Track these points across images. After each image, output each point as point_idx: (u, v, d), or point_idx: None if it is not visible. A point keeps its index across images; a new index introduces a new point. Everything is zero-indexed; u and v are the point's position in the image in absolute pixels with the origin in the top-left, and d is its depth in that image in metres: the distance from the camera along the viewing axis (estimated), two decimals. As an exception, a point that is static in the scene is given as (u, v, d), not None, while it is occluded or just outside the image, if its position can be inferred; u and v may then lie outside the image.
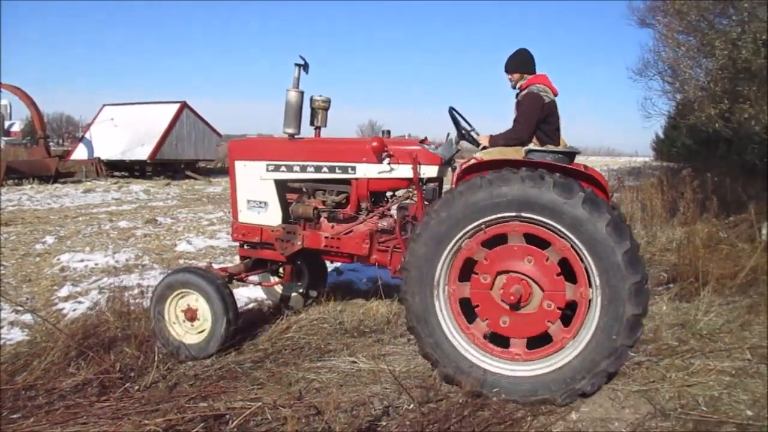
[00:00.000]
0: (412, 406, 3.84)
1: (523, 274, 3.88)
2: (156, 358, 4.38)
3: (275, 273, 5.88)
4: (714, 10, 11.38)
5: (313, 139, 5.34)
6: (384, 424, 3.61)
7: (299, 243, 5.02)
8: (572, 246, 3.76)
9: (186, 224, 12.18)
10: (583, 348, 3.79)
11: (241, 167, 5.23)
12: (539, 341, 3.99)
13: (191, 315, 4.77)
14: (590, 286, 3.78)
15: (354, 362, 4.62)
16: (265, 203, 5.15)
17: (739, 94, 9.86)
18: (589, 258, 3.71)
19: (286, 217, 5.15)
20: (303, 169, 5.01)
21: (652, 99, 19.77)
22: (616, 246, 3.62)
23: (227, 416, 3.63)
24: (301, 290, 6.05)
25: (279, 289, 6.09)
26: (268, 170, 5.11)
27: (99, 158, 25.38)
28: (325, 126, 5.32)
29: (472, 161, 4.45)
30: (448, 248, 3.96)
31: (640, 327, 3.76)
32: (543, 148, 4.48)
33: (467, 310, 4.08)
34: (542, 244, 3.88)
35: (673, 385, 4.16)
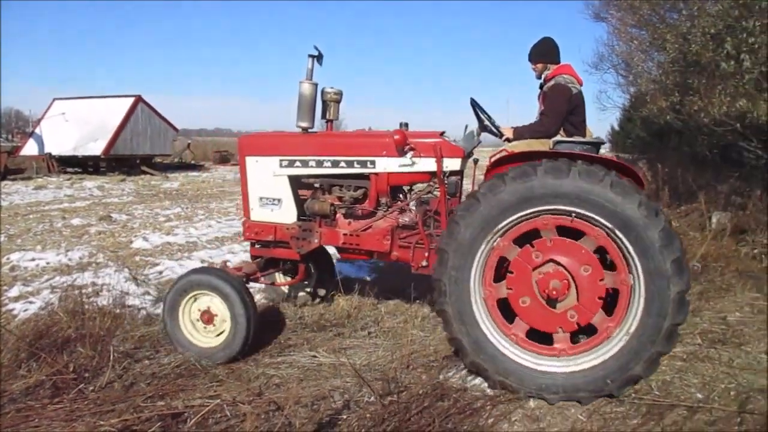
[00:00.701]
0: (372, 398, 3.84)
1: (571, 275, 3.81)
2: (111, 358, 4.27)
3: (288, 272, 5.72)
4: (665, 5, 11.68)
5: (330, 132, 5.18)
6: (345, 417, 3.60)
7: (316, 241, 4.87)
8: (608, 233, 3.71)
9: (142, 221, 11.92)
10: (632, 333, 3.74)
11: (252, 163, 5.02)
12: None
13: (208, 317, 4.55)
14: (630, 272, 3.74)
15: (314, 357, 4.60)
16: (279, 200, 4.97)
17: (689, 87, 10.14)
18: (626, 242, 3.65)
19: (300, 215, 5.01)
20: (319, 164, 4.83)
21: (607, 92, 20.26)
22: (652, 225, 3.58)
23: (185, 414, 3.57)
24: (308, 289, 5.91)
25: (285, 288, 5.92)
26: (281, 166, 4.91)
27: (50, 154, 24.59)
28: (337, 119, 5.14)
29: (503, 153, 4.39)
30: (489, 236, 3.88)
31: (688, 304, 3.73)
32: (571, 139, 4.44)
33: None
34: (576, 235, 3.85)
35: (628, 371, 4.25)
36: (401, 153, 4.58)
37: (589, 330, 3.95)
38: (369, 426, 3.46)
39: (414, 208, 4.75)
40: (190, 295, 4.56)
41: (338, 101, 5.01)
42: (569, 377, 3.81)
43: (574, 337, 4.05)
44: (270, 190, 4.98)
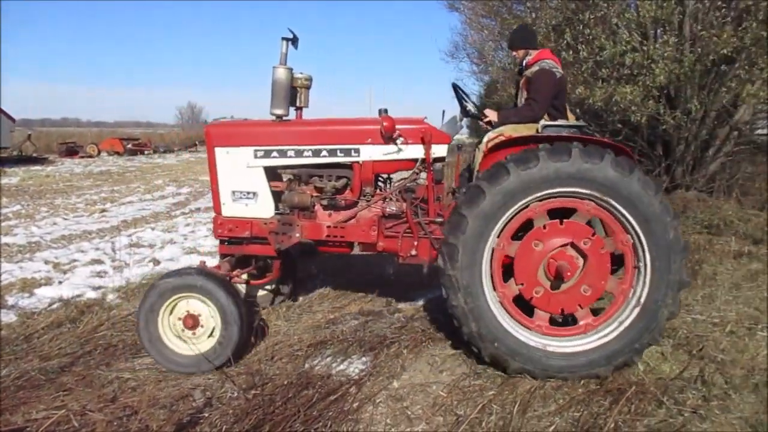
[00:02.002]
0: (236, 394, 3.75)
1: (577, 250, 3.91)
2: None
3: (262, 270, 5.30)
4: (512, -3, 12.33)
5: (310, 120, 4.86)
6: (206, 415, 3.48)
7: (297, 235, 4.57)
8: (597, 203, 3.85)
9: (-26, 221, 10.77)
10: (644, 301, 3.89)
11: (223, 155, 4.61)
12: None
13: (193, 322, 4.19)
14: (627, 233, 3.88)
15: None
16: (255, 193, 4.62)
17: (534, 75, 10.80)
18: (630, 218, 3.80)
19: (276, 208, 4.71)
20: (299, 153, 4.55)
21: (463, 80, 21.01)
22: (653, 198, 3.76)
23: (27, 430, 3.28)
24: (269, 287, 5.51)
25: (242, 288, 5.43)
26: (256, 157, 4.58)
27: None
28: (308, 106, 4.83)
29: (501, 138, 4.36)
30: (501, 222, 3.88)
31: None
32: (558, 123, 4.48)
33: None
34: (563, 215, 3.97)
35: (485, 346, 4.47)
36: (387, 140, 4.42)
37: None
38: (232, 422, 3.36)
39: (400, 196, 4.62)
40: (171, 300, 4.19)
41: (308, 87, 4.73)
42: (601, 348, 3.93)
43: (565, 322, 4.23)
44: (244, 183, 4.63)
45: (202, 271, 4.32)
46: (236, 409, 3.49)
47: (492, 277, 3.98)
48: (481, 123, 5.04)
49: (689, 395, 3.68)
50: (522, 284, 3.98)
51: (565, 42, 9.41)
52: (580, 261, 3.93)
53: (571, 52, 9.35)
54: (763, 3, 8.31)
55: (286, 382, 3.85)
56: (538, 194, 3.83)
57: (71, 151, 31.72)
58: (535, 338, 3.97)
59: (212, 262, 7.04)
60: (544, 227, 3.92)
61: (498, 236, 3.93)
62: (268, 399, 3.60)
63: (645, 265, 3.87)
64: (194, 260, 7.06)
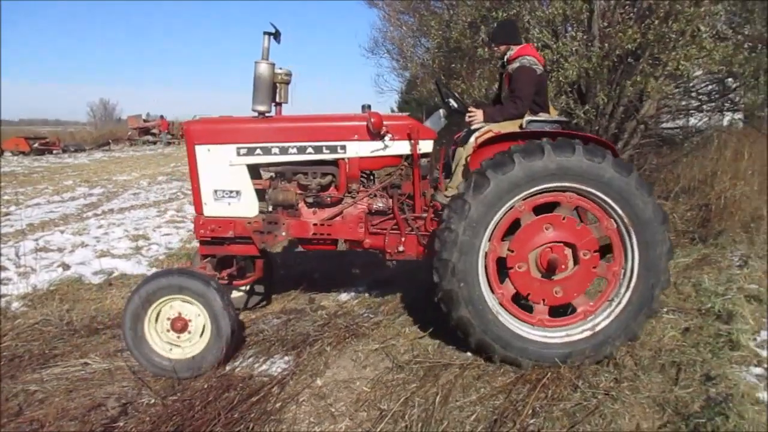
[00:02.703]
0: (153, 400, 3.62)
1: (550, 242, 3.99)
2: None
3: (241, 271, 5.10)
4: (429, -7, 12.47)
5: (294, 117, 4.69)
6: (122, 425, 3.34)
7: (283, 233, 4.47)
8: (579, 194, 3.97)
9: None
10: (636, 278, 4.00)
11: (203, 153, 4.41)
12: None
13: (181, 325, 4.00)
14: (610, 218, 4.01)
15: (86, 364, 4.21)
16: (238, 192, 4.45)
17: (453, 71, 10.97)
18: (620, 210, 3.92)
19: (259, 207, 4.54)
20: (284, 151, 4.42)
21: (383, 76, 21.10)
22: (647, 197, 3.90)
23: None
24: (244, 288, 5.26)
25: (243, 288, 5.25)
26: (239, 154, 4.42)
27: None
28: (287, 102, 4.63)
29: (491, 134, 4.36)
30: (500, 212, 3.91)
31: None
32: (543, 119, 4.49)
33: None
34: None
35: (407, 339, 4.53)
36: (374, 137, 4.35)
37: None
38: (148, 429, 3.24)
39: (386, 192, 4.56)
40: (158, 302, 3.99)
41: (288, 83, 4.55)
42: (607, 329, 4.03)
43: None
44: (226, 182, 4.45)
45: (187, 271, 4.19)
46: (153, 417, 3.37)
47: (488, 276, 4.02)
48: (468, 119, 4.98)
49: (602, 378, 3.83)
50: (512, 251, 4.03)
51: (480, 39, 9.59)
52: (571, 264, 4.05)
53: (486, 49, 9.53)
54: (665, 1, 8.76)
55: (206, 386, 3.75)
56: (540, 187, 3.90)
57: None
58: (532, 330, 4.07)
59: (127, 264, 6.81)
60: (564, 218, 4.02)
61: (489, 239, 3.98)
62: (187, 404, 3.51)
63: (632, 244, 4.00)
64: (108, 264, 6.78)
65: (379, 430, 3.28)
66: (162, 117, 38.72)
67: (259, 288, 5.40)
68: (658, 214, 3.93)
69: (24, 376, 4.05)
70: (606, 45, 8.99)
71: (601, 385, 3.74)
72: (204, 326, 4.01)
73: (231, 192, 4.47)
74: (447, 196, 4.55)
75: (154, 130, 37.49)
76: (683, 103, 11.37)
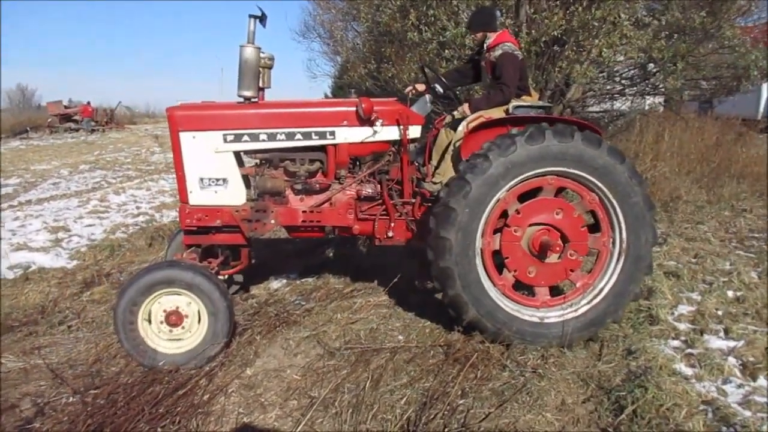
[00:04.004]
0: (72, 398, 3.47)
1: (552, 225, 4.06)
2: None
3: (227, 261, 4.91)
4: (358, -24, 12.35)
5: (282, 102, 4.50)
6: (37, 426, 3.18)
7: (272, 221, 4.36)
8: (599, 197, 4.07)
9: None
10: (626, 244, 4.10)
11: (188, 140, 4.22)
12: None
13: (176, 319, 3.86)
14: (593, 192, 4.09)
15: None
16: (225, 180, 4.30)
17: (384, 55, 10.95)
18: (615, 202, 4.03)
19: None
20: (271, 137, 4.30)
21: (315, 60, 20.91)
22: (638, 187, 4.00)
23: None
24: (223, 277, 4.87)
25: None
26: (226, 141, 4.26)
27: None
28: (270, 87, 4.45)
29: (482, 119, 4.36)
30: (498, 194, 3.93)
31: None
32: (528, 104, 4.48)
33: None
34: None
35: (339, 325, 4.49)
36: (363, 122, 4.26)
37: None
38: (67, 429, 3.09)
39: (375, 178, 4.49)
40: (153, 296, 3.82)
41: (271, 67, 4.38)
42: (604, 300, 4.14)
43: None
44: (213, 170, 4.27)
45: (183, 264, 4.03)
46: (71, 415, 3.22)
47: (485, 265, 4.07)
48: (455, 113, 4.94)
49: (529, 356, 3.92)
50: (515, 270, 4.12)
51: (410, 23, 9.60)
52: (555, 257, 4.10)
53: (416, 33, 9.56)
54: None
55: (129, 381, 3.61)
56: (538, 170, 3.95)
57: None
58: (533, 312, 4.15)
59: (46, 258, 6.50)
60: (518, 212, 4.05)
61: (482, 235, 4.00)
62: (110, 400, 3.37)
63: (616, 212, 4.07)
64: (24, 257, 6.45)
65: (309, 417, 3.25)
66: (88, 103, 37.06)
67: (238, 277, 5.30)
68: (647, 202, 4.07)
69: (-71, 378, 3.81)
70: (533, 31, 9.15)
71: (529, 363, 3.83)
72: (201, 317, 3.92)
73: (218, 180, 4.35)
74: (434, 183, 4.58)
75: (76, 117, 35.83)
76: (607, 87, 11.74)
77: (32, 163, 17.04)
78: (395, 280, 4.97)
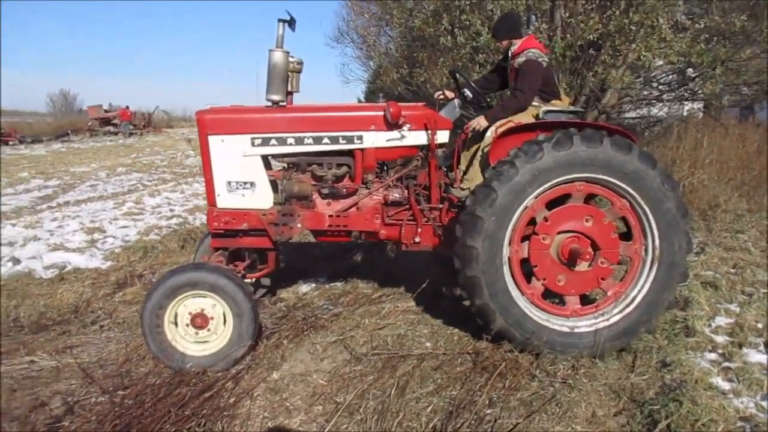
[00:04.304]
0: (101, 398, 3.51)
1: (582, 233, 3.99)
2: None
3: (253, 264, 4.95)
4: (393, -19, 12.36)
5: (309, 106, 4.55)
6: (66, 424, 3.22)
7: (299, 225, 4.37)
8: (630, 203, 3.98)
9: None
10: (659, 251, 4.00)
11: (217, 143, 4.28)
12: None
13: (202, 321, 3.90)
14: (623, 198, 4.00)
15: (32, 361, 4.06)
16: (252, 183, 4.33)
17: (416, 60, 10.92)
18: (647, 209, 3.94)
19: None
20: (299, 141, 4.31)
21: (348, 65, 21.04)
22: (670, 192, 3.91)
23: None
24: (250, 280, 5.02)
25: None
26: (254, 145, 4.28)
27: None
28: (299, 91, 4.46)
29: (511, 124, 4.31)
30: (525, 202, 3.88)
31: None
32: (559, 109, 4.46)
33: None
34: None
35: (367, 330, 4.47)
36: (391, 127, 4.26)
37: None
38: (94, 429, 3.12)
39: (402, 183, 4.49)
40: (179, 298, 3.87)
41: (300, 71, 4.39)
42: (637, 309, 4.03)
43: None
44: (240, 173, 4.31)
45: (211, 266, 4.06)
46: (99, 415, 3.24)
47: (512, 274, 4.02)
48: (472, 124, 4.81)
49: (560, 366, 3.84)
50: (544, 279, 4.05)
51: (443, 27, 9.56)
52: (586, 265, 4.02)
53: (449, 38, 9.51)
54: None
55: (157, 382, 3.64)
56: (567, 177, 3.89)
57: None
58: (563, 321, 4.08)
59: (81, 258, 6.62)
60: (546, 219, 3.99)
61: (509, 243, 3.96)
62: (137, 401, 3.39)
63: (648, 219, 3.97)
64: (61, 258, 6.58)
65: (333, 423, 3.22)
66: (127, 107, 37.89)
67: (266, 281, 5.32)
68: (681, 208, 3.96)
69: (-35, 375, 3.89)
70: (568, 35, 9.03)
71: (558, 373, 3.74)
72: (226, 319, 3.94)
73: (245, 183, 4.35)
74: (463, 189, 4.52)
75: (115, 121, 36.66)
76: (644, 93, 11.52)
77: (72, 165, 17.46)
78: (423, 285, 4.95)
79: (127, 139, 33.05)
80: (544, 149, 3.79)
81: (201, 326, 3.91)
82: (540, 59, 4.63)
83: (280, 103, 4.34)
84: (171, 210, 9.79)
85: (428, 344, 4.26)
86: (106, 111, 38.14)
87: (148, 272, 6.20)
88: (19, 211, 9.72)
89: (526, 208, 3.92)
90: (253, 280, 5.05)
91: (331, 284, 5.69)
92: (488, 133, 4.53)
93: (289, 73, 4.32)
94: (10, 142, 29.54)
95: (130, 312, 4.97)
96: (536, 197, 3.92)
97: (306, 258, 6.62)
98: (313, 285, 5.67)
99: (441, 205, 4.45)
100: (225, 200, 4.36)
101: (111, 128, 36.45)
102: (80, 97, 71.29)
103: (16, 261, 6.44)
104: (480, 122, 4.57)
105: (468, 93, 4.89)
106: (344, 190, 4.46)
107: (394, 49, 11.35)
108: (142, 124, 37.95)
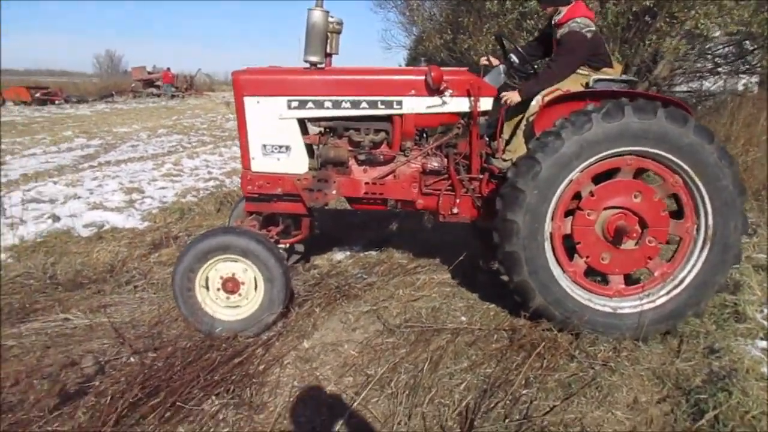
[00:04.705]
0: (132, 359, 3.49)
1: (629, 209, 3.79)
2: None
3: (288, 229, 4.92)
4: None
5: (348, 69, 4.39)
6: (96, 384, 3.21)
7: (334, 192, 4.26)
8: (684, 179, 3.75)
9: None
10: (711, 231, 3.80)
11: (253, 105, 4.18)
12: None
13: (233, 286, 3.88)
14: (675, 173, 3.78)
15: (67, 319, 4.09)
16: (287, 147, 4.23)
17: (460, 26, 10.60)
18: (701, 185, 3.71)
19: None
20: (336, 105, 4.16)
21: (390, 30, 20.70)
22: (728, 169, 3.67)
23: None
24: (284, 246, 4.94)
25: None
26: (290, 108, 4.17)
27: None
28: (338, 53, 4.34)
29: (559, 92, 4.09)
30: (570, 175, 3.69)
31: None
32: (609, 77, 4.24)
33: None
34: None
35: (400, 302, 4.37)
36: (432, 92, 4.10)
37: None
38: (123, 390, 3.09)
39: (442, 151, 4.33)
40: (210, 262, 3.85)
41: (339, 32, 4.25)
42: (685, 291, 3.85)
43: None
44: (276, 137, 4.22)
45: (243, 230, 3.99)
46: (129, 376, 3.22)
47: (554, 251, 3.84)
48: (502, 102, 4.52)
49: (600, 348, 3.68)
50: (587, 256, 3.87)
51: (489, -9, 9.24)
52: (632, 244, 3.84)
53: (495, 2, 9.18)
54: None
55: (187, 345, 3.61)
56: (614, 150, 3.67)
57: None
58: (605, 301, 3.90)
59: (119, 218, 6.65)
60: (592, 194, 3.80)
61: (552, 218, 3.78)
62: (166, 363, 3.36)
63: (702, 196, 3.76)
64: (99, 216, 6.62)
65: (363, 396, 3.14)
66: (168, 69, 38.19)
67: (300, 247, 5.24)
68: (738, 186, 3.72)
69: (2, 330, 3.93)
70: (622, 1, 8.61)
71: (599, 355, 3.59)
72: (257, 284, 3.89)
73: (280, 147, 4.24)
74: (505, 160, 4.32)
75: (158, 83, 37.02)
76: (698, 65, 11.01)
77: (114, 126, 17.67)
78: (460, 258, 4.81)
79: (169, 101, 33.35)
80: (592, 120, 3.56)
81: (232, 291, 3.86)
82: (585, 29, 4.30)
83: (318, 65, 4.18)
84: (209, 172, 9.80)
85: (463, 318, 4.14)
86: (149, 73, 38.53)
87: (184, 234, 6.21)
88: (61, 170, 9.86)
89: (571, 181, 3.72)
90: (287, 246, 4.95)
91: (366, 253, 5.59)
92: (533, 102, 4.28)
93: (329, 34, 4.15)
94: (56, 102, 30.13)
95: (165, 273, 4.96)
96: (582, 171, 3.71)
97: (341, 225, 6.53)
98: (348, 253, 5.58)
99: (481, 176, 4.25)
100: (259, 164, 4.26)
101: (154, 90, 36.85)
102: (125, 59, 72.19)
103: (56, 218, 6.50)
104: (512, 98, 4.28)
105: (515, 58, 4.64)
106: (381, 156, 4.30)
107: (438, 13, 11.04)
108: (185, 87, 38.21)
